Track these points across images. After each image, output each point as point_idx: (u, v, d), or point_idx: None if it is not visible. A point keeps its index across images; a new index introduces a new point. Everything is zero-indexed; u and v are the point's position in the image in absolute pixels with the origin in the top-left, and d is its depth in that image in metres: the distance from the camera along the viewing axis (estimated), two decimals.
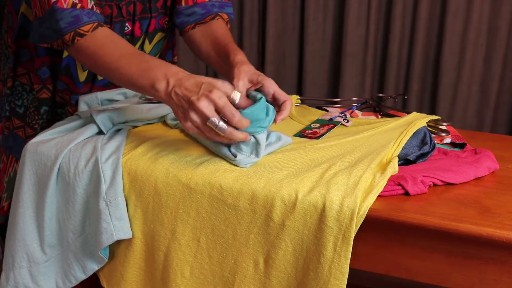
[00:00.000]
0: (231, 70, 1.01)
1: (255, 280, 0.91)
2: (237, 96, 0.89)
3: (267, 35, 2.02)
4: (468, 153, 1.03)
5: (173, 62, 1.40)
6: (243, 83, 0.97)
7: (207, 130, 0.88)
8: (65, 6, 1.02)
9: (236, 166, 0.93)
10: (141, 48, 1.27)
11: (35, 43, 1.12)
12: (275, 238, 0.87)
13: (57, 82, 1.26)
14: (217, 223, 0.91)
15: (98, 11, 1.07)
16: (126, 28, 1.21)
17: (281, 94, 0.97)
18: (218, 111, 0.87)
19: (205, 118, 0.87)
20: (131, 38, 1.24)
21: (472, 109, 1.91)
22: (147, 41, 1.26)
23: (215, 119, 0.86)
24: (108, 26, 1.18)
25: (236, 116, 0.87)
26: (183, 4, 1.23)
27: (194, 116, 0.87)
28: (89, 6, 1.05)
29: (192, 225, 0.92)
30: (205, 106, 0.86)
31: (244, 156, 0.93)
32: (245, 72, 0.99)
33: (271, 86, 0.97)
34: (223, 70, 1.10)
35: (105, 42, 1.02)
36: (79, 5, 1.03)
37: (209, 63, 1.20)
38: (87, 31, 1.03)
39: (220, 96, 0.86)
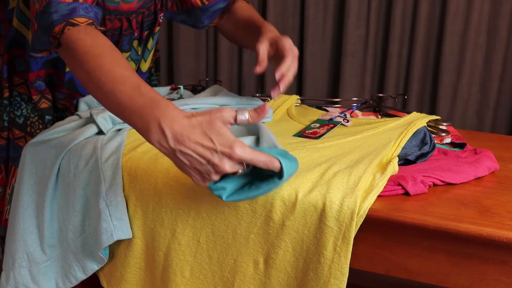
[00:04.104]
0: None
1: (255, 280, 0.91)
2: (245, 115, 0.79)
3: None
4: (468, 153, 1.03)
5: (156, 50, 1.37)
6: (263, 47, 1.08)
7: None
8: None
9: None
10: (144, 46, 1.26)
11: (35, 52, 1.05)
12: (275, 238, 0.87)
13: (55, 93, 1.22)
14: (217, 223, 0.91)
15: (98, 8, 0.99)
16: (133, 35, 1.21)
17: (284, 48, 1.07)
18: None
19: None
20: (140, 42, 1.23)
21: (472, 109, 1.91)
22: (151, 40, 1.26)
23: (243, 168, 0.79)
24: (117, 38, 1.17)
25: (268, 158, 0.78)
26: (205, 2, 1.23)
27: (216, 177, 0.79)
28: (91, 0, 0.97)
29: (192, 225, 0.92)
30: (231, 167, 0.77)
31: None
32: (266, 36, 1.09)
33: (282, 41, 1.08)
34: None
35: (102, 53, 0.89)
36: None
37: (247, 47, 1.24)
38: (82, 23, 0.93)
39: (243, 151, 0.76)
